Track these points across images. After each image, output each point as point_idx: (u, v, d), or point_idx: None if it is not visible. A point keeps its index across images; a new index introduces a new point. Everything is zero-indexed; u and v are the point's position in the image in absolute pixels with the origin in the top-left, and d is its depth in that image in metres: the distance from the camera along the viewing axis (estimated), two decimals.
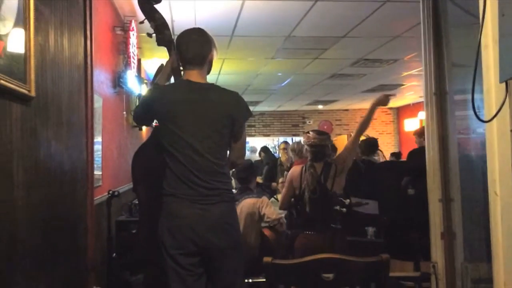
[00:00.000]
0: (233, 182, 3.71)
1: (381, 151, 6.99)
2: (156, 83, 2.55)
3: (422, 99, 3.23)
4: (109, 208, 3.79)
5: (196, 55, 2.33)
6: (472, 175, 2.92)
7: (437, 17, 3.05)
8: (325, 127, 14.65)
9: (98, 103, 3.68)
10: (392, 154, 9.15)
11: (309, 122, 15.00)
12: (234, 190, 3.53)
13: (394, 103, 14.08)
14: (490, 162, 1.63)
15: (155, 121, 2.48)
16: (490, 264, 1.74)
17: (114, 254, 3.95)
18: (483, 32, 1.59)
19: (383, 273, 1.94)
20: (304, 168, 3.60)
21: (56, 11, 2.32)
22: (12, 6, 1.76)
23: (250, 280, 3.27)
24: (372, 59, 7.38)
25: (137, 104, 5.45)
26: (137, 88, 5.31)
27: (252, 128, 14.73)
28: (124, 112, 5.09)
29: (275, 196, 5.79)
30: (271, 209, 4.22)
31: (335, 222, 3.42)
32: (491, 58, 1.58)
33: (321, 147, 3.57)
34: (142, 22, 2.74)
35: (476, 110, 1.60)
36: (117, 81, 4.59)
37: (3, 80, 1.64)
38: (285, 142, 7.97)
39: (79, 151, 2.69)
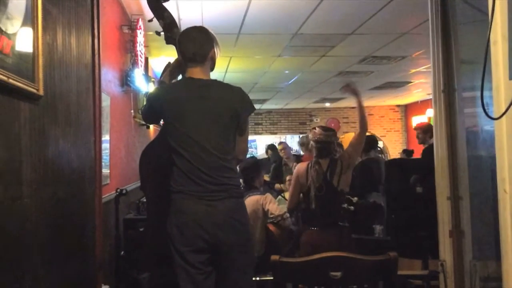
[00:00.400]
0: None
1: (380, 148, 7.00)
2: (162, 81, 2.56)
3: (430, 97, 3.22)
4: (117, 206, 3.81)
5: (197, 52, 2.34)
6: (481, 172, 2.91)
7: (445, 14, 3.04)
8: (332, 125, 14.61)
9: (105, 101, 3.70)
10: (404, 151, 9.06)
11: (316, 120, 14.97)
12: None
13: (402, 100, 14.03)
14: (499, 159, 1.62)
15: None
16: (499, 262, 1.73)
17: (122, 252, 3.97)
18: (492, 28, 1.57)
19: (391, 272, 1.93)
20: (310, 165, 3.59)
21: (63, 10, 2.33)
22: (20, 5, 1.77)
23: (258, 278, 3.27)
24: (379, 56, 7.35)
25: (144, 102, 5.48)
26: (145, 86, 5.32)
27: (259, 126, 14.73)
28: (132, 111, 5.10)
29: (282, 194, 5.78)
30: (274, 205, 4.23)
31: (342, 220, 3.41)
32: (500, 54, 1.56)
33: (326, 143, 3.56)
34: (151, 20, 2.75)
35: (485, 107, 1.59)
36: (125, 80, 4.60)
37: (11, 79, 1.65)
38: (283, 143, 7.95)
39: (87, 149, 2.70)
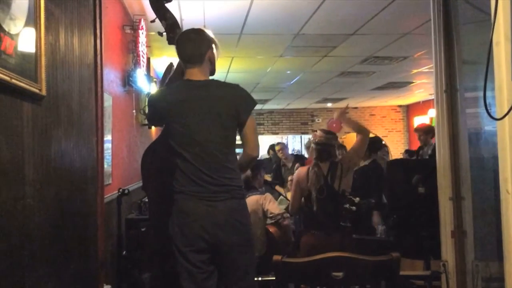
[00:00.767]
0: None
1: (386, 148, 6.99)
2: (167, 83, 2.57)
3: (431, 97, 3.23)
4: (119, 206, 3.81)
5: (193, 53, 2.36)
6: (483, 173, 2.90)
7: (447, 14, 3.03)
8: (334, 125, 14.52)
9: (108, 102, 3.70)
10: (406, 152, 9.01)
11: (318, 120, 14.96)
12: None
13: (403, 100, 14.02)
14: (502, 160, 1.62)
15: None
16: (501, 263, 1.73)
17: (124, 252, 3.97)
18: (494, 29, 1.57)
19: (393, 272, 1.93)
20: (309, 168, 3.59)
21: (66, 11, 2.34)
22: (23, 5, 1.77)
23: (260, 279, 3.27)
24: (381, 57, 7.34)
25: (146, 102, 5.48)
26: (147, 86, 5.33)
27: (261, 126, 14.72)
28: (134, 111, 5.11)
29: (284, 195, 5.78)
30: (274, 204, 4.24)
31: (344, 221, 3.40)
32: (502, 55, 1.56)
33: (326, 146, 3.55)
34: (153, 21, 2.76)
35: (488, 108, 1.59)
36: (127, 80, 4.60)
37: (14, 79, 1.65)
38: (280, 143, 7.96)
39: (89, 149, 2.70)
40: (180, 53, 2.40)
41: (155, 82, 5.91)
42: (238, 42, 6.15)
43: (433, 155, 5.53)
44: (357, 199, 3.39)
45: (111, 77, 3.97)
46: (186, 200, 2.28)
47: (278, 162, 7.60)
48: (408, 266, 3.38)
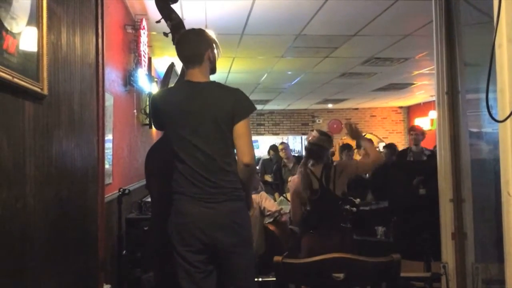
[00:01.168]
0: None
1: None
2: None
3: (432, 98, 3.23)
4: (119, 206, 3.81)
5: (192, 54, 2.36)
6: (484, 175, 2.90)
7: (449, 16, 3.03)
8: (335, 126, 14.61)
9: (109, 101, 3.70)
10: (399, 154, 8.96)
11: (319, 121, 14.96)
12: None
13: (404, 102, 14.02)
14: (503, 162, 1.62)
15: None
16: (501, 265, 1.73)
17: (124, 252, 3.97)
18: (497, 31, 1.57)
19: (394, 273, 1.93)
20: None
21: (68, 10, 2.34)
22: (25, 4, 1.77)
23: (260, 279, 3.27)
24: (383, 58, 7.34)
25: (147, 102, 5.49)
26: (148, 86, 5.33)
27: (262, 127, 14.73)
28: (135, 111, 5.11)
29: (284, 195, 5.79)
30: (270, 202, 4.26)
31: (345, 222, 3.40)
32: (505, 57, 1.56)
33: (317, 147, 3.53)
34: (158, 22, 2.76)
35: (490, 110, 1.58)
36: (128, 80, 4.60)
37: (16, 78, 1.65)
38: (284, 143, 7.98)
39: (90, 149, 2.70)
40: (180, 54, 2.41)
41: (156, 82, 5.92)
42: (239, 42, 6.15)
43: (432, 156, 5.56)
44: (357, 200, 3.39)
45: (112, 76, 3.97)
46: (183, 201, 2.29)
47: (279, 163, 7.61)
48: (408, 267, 3.38)
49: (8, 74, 1.59)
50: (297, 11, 4.97)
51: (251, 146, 2.33)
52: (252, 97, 2.43)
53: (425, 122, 12.83)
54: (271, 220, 4.34)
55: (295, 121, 15.04)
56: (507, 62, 1.54)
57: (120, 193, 3.79)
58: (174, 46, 2.61)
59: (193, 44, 2.37)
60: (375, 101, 13.28)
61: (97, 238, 2.81)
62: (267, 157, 8.97)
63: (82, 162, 2.55)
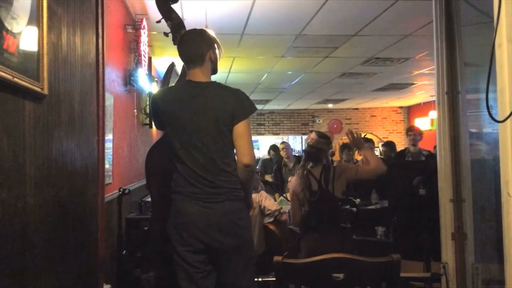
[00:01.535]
0: None
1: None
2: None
3: (433, 98, 3.23)
4: (119, 206, 3.81)
5: (194, 54, 2.36)
6: (484, 175, 2.90)
7: (449, 16, 3.03)
8: (335, 126, 14.61)
9: (109, 101, 3.70)
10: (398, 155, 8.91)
11: (319, 121, 14.96)
12: None
13: (404, 102, 14.02)
14: (503, 162, 1.62)
15: None
16: (501, 265, 1.73)
17: (124, 252, 3.97)
18: (497, 31, 1.57)
19: (394, 274, 1.93)
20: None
21: (68, 10, 2.34)
22: (25, 4, 1.77)
23: (260, 279, 3.27)
24: (383, 58, 7.34)
25: (147, 102, 5.49)
26: (148, 86, 5.33)
27: (262, 127, 14.73)
28: (135, 110, 5.11)
29: (284, 195, 5.79)
30: (270, 201, 4.26)
31: (345, 222, 3.40)
32: (505, 57, 1.56)
33: (315, 149, 3.53)
34: (159, 22, 2.76)
35: (490, 110, 1.58)
36: (128, 79, 4.61)
37: (16, 78, 1.66)
38: (285, 143, 7.99)
39: (91, 149, 2.71)
40: (181, 54, 2.41)
41: (156, 81, 5.92)
42: (239, 42, 6.15)
43: (431, 156, 5.56)
44: (357, 200, 3.39)
45: (112, 76, 3.97)
46: (182, 201, 2.29)
47: (279, 162, 7.61)
48: (408, 267, 3.38)
49: (9, 74, 1.60)
50: (297, 11, 4.98)
51: (251, 146, 2.33)
52: (252, 97, 2.43)
53: (425, 122, 12.83)
54: (271, 219, 4.35)
55: (295, 121, 15.04)
56: (507, 62, 1.54)
57: (120, 193, 3.79)
58: (174, 46, 2.62)
59: (195, 44, 2.37)
60: (375, 101, 13.28)
61: (97, 238, 2.82)
62: (267, 157, 8.98)
63: (82, 162, 2.55)
